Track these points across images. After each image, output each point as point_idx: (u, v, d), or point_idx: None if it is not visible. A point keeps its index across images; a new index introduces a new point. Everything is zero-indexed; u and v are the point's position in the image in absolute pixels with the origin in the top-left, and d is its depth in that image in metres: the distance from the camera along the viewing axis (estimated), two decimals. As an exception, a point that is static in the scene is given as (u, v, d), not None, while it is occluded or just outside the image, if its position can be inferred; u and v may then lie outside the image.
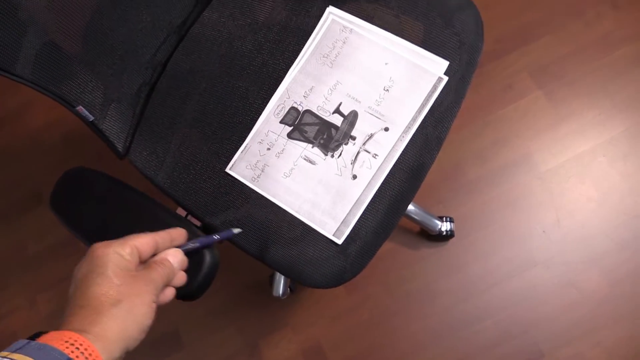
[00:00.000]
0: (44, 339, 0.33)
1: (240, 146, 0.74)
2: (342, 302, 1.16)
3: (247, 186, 0.72)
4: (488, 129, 1.20)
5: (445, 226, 1.11)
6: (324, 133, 0.72)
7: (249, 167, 0.73)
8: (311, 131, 0.73)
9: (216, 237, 0.57)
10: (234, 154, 0.74)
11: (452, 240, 1.14)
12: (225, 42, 0.81)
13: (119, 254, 0.39)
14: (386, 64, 0.73)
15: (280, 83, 0.75)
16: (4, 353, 0.31)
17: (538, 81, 1.20)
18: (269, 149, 0.73)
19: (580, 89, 1.18)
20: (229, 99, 0.78)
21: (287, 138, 0.73)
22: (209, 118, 0.77)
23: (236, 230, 0.65)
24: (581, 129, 1.15)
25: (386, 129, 0.71)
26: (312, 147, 0.72)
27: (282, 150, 0.72)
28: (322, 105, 0.73)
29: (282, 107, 0.74)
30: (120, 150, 0.79)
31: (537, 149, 1.16)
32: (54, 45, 0.63)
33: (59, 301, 1.27)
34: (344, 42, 0.75)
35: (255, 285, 1.19)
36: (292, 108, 0.74)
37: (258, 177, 0.72)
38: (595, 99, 1.16)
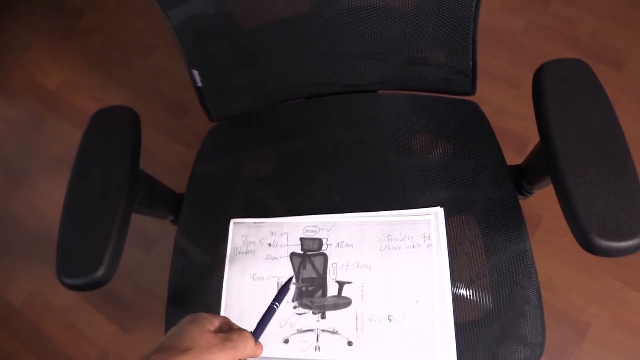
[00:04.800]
0: None
1: (258, 217, 0.72)
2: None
3: (225, 249, 0.70)
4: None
5: None
6: (312, 286, 0.66)
7: (243, 239, 0.70)
8: (307, 273, 0.67)
9: (275, 305, 0.56)
10: (248, 218, 0.72)
11: None
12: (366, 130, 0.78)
13: (204, 317, 0.48)
14: (416, 302, 0.63)
15: (338, 211, 0.70)
16: None
17: None
18: (270, 244, 0.69)
19: None
20: (308, 181, 0.75)
21: (288, 254, 0.69)
22: (284, 174, 0.77)
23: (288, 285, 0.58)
24: None
25: (350, 344, 0.63)
26: (292, 283, 0.67)
27: (274, 259, 0.69)
28: (338, 267, 0.67)
29: (316, 230, 0.69)
30: (212, 117, 0.82)
31: None
32: (227, 15, 0.65)
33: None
34: (413, 247, 0.66)
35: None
36: (320, 240, 0.69)
37: (238, 253, 0.70)
38: None
